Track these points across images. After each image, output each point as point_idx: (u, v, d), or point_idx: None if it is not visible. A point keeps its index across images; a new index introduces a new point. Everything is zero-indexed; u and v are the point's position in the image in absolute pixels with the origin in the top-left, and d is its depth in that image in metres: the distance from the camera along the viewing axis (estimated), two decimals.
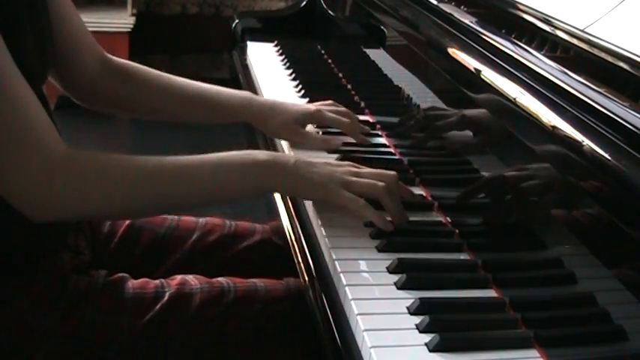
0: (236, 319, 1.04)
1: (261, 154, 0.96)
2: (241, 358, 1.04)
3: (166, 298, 1.03)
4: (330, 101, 1.30)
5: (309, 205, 1.06)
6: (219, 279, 1.08)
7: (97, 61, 1.20)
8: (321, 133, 1.28)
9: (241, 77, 1.70)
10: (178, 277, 1.07)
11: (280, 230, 1.16)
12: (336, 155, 1.18)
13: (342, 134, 1.26)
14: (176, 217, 1.25)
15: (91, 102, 1.25)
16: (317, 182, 0.95)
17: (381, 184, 0.95)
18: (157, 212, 1.12)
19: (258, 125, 1.27)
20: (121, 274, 1.06)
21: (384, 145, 1.27)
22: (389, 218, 0.96)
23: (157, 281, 1.06)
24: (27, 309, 0.97)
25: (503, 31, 1.11)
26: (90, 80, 1.20)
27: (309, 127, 1.27)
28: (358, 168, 0.99)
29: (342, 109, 1.28)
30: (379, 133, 1.31)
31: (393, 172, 0.99)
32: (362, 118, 1.35)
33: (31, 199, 0.89)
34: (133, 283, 1.05)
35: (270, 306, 1.06)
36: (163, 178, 0.94)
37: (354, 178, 0.96)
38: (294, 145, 1.24)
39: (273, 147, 1.29)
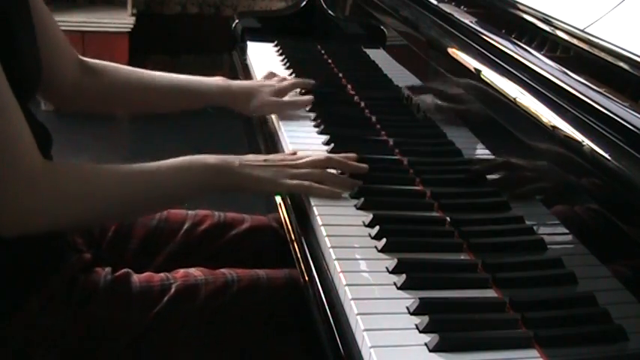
0: (241, 309, 1.06)
1: (210, 158, 1.05)
2: (247, 345, 1.06)
3: (173, 290, 1.05)
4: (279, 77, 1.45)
5: (309, 205, 1.06)
6: (222, 270, 1.10)
7: (74, 64, 1.24)
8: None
9: (241, 77, 1.70)
10: (181, 271, 1.09)
11: (278, 219, 1.19)
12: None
13: None
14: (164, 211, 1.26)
15: (71, 104, 1.29)
16: (262, 178, 1.06)
17: (317, 171, 1.09)
18: (128, 216, 1.18)
19: (238, 107, 1.37)
20: (125, 270, 1.08)
21: (384, 144, 1.27)
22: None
23: (162, 274, 1.08)
24: (39, 311, 0.98)
25: (503, 31, 1.11)
26: (71, 83, 1.23)
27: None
28: (293, 160, 1.10)
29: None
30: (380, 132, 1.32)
31: (324, 157, 1.12)
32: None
33: (12, 214, 0.90)
34: (138, 278, 1.07)
35: (273, 294, 1.08)
36: (135, 184, 1.01)
37: (294, 171, 1.08)
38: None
39: (271, 142, 1.30)
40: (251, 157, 1.09)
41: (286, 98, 1.39)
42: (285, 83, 1.41)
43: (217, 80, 1.37)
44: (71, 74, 1.22)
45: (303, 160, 1.10)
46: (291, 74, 1.61)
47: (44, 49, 1.09)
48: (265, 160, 1.09)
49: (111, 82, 1.28)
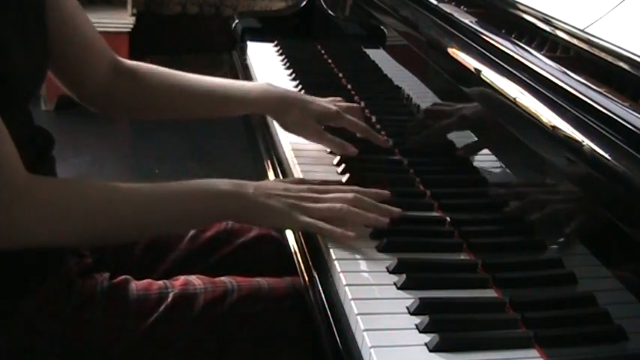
0: (240, 318, 1.04)
1: (223, 184, 0.98)
2: (247, 353, 1.04)
3: (170, 298, 1.03)
4: (339, 98, 1.30)
5: None
6: (222, 278, 1.08)
7: (108, 65, 1.19)
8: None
9: (241, 77, 1.70)
10: (181, 278, 1.08)
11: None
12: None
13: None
14: None
15: (105, 107, 1.23)
16: (276, 211, 0.97)
17: (338, 206, 0.98)
18: (118, 240, 1.09)
19: (275, 118, 1.26)
20: (124, 277, 1.06)
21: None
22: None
23: (161, 282, 1.06)
24: (35, 314, 0.98)
25: (503, 31, 1.11)
26: (102, 85, 1.18)
27: None
28: (318, 193, 1.00)
29: (354, 105, 1.29)
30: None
31: (351, 193, 1.00)
32: None
33: None
34: (136, 285, 1.05)
35: (273, 304, 1.06)
36: (128, 207, 0.95)
37: (312, 205, 0.98)
38: (297, 149, 1.24)
39: (273, 148, 1.29)
40: (269, 185, 1.01)
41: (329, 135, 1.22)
42: (348, 119, 1.23)
43: (260, 85, 1.26)
44: (101, 77, 1.17)
45: (328, 196, 1.00)
46: (291, 74, 1.61)
47: (68, 49, 1.07)
48: (285, 190, 1.00)
49: (148, 87, 1.21)
